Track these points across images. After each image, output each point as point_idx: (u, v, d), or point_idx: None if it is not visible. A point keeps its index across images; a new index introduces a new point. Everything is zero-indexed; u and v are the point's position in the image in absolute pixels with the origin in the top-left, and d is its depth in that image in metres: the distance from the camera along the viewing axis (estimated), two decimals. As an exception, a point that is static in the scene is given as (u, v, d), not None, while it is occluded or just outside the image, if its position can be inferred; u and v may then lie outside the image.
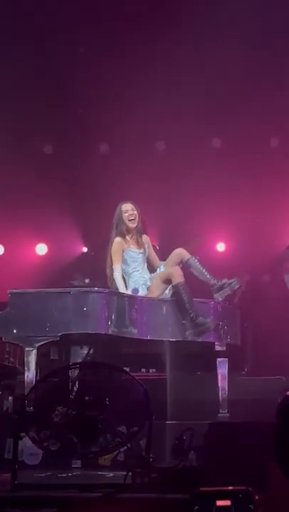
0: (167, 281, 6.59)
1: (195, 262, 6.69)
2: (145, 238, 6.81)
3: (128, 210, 6.75)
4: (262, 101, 8.87)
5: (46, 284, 7.68)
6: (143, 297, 6.56)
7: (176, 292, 6.49)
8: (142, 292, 6.60)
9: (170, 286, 6.81)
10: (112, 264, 6.63)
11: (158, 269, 6.72)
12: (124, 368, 6.84)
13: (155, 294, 6.59)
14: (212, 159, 9.41)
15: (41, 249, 9.72)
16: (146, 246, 6.79)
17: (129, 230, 6.72)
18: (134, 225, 6.71)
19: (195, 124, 9.20)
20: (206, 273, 6.77)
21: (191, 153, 9.34)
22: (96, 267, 7.66)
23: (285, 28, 8.61)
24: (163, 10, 8.74)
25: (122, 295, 6.41)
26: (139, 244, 6.73)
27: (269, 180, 9.14)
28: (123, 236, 6.70)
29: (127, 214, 6.73)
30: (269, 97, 8.89)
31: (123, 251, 6.66)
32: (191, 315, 6.37)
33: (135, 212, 6.74)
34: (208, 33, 8.65)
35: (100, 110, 9.08)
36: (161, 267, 6.73)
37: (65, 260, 9.33)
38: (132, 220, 6.71)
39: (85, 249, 9.46)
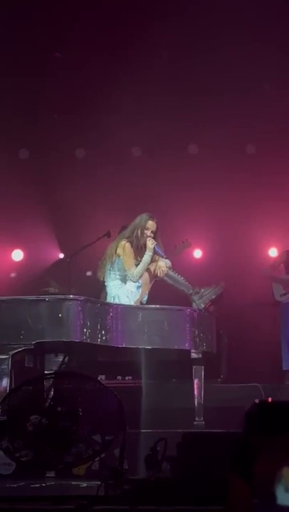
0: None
1: (171, 271, 6.72)
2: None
3: (152, 228, 6.71)
4: (238, 108, 8.89)
5: (22, 290, 7.63)
6: (118, 305, 6.53)
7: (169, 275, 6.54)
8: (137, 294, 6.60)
9: (146, 293, 6.82)
10: (127, 268, 6.62)
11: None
12: (100, 376, 6.86)
13: (146, 288, 6.63)
14: (188, 165, 9.41)
15: (17, 255, 9.65)
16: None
17: (142, 247, 6.68)
18: (152, 246, 6.69)
19: (172, 130, 9.20)
20: (183, 281, 6.77)
21: (168, 160, 9.33)
22: (71, 274, 7.62)
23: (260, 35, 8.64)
24: (141, 14, 8.73)
25: (97, 302, 6.37)
26: (137, 262, 6.73)
27: (246, 187, 9.15)
28: (134, 247, 6.67)
29: (149, 232, 6.70)
30: (245, 104, 8.91)
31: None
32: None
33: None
34: (187, 36, 8.66)
35: (76, 115, 9.05)
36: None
37: (42, 266, 9.28)
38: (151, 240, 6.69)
39: (61, 256, 9.41)
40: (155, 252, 6.75)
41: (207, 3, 8.42)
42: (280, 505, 1.22)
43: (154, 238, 6.71)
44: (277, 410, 1.28)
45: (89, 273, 7.59)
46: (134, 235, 6.70)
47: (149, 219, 6.75)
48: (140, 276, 6.71)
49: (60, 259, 9.20)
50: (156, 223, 6.75)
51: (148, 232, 6.71)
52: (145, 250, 6.70)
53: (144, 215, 6.78)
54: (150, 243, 6.69)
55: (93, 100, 9.02)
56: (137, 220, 6.76)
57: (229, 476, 1.17)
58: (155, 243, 6.71)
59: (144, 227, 6.71)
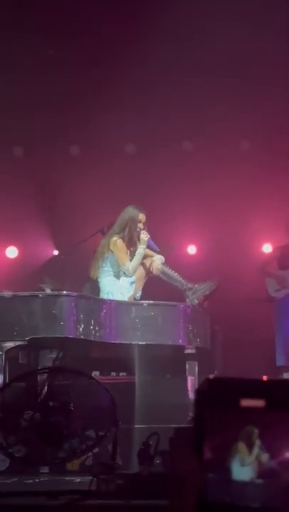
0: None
1: (164, 267, 6.74)
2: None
3: (142, 221, 6.72)
4: (231, 104, 8.89)
5: (16, 287, 7.63)
6: (112, 300, 6.54)
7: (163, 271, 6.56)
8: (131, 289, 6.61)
9: (140, 288, 6.83)
10: (121, 264, 6.62)
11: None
12: (94, 372, 6.87)
13: (139, 284, 6.66)
14: (182, 161, 9.41)
15: (12, 252, 9.65)
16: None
17: (135, 241, 6.69)
18: (146, 239, 6.69)
19: (165, 126, 9.20)
20: (177, 277, 6.78)
21: (161, 156, 9.34)
22: (65, 270, 7.63)
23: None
24: (134, 10, 8.72)
25: (90, 298, 6.38)
26: (131, 257, 6.73)
27: (240, 183, 9.16)
28: (126, 242, 6.67)
29: (141, 224, 6.71)
30: (239, 99, 8.91)
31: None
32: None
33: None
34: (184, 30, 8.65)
35: (70, 112, 9.05)
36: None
37: (36, 263, 9.27)
38: (144, 233, 6.70)
39: (56, 252, 9.42)
40: (148, 245, 6.77)
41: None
42: (235, 479, 1.24)
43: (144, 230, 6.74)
44: (228, 386, 1.30)
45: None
46: (126, 229, 6.70)
47: (139, 212, 6.75)
48: (135, 270, 6.72)
49: (55, 256, 9.20)
50: (145, 215, 6.76)
51: (140, 225, 6.72)
52: (138, 243, 6.71)
53: (132, 208, 6.78)
54: (144, 236, 6.71)
55: (87, 97, 9.01)
56: (126, 214, 6.76)
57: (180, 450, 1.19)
58: (148, 236, 6.73)
59: (136, 221, 6.72)
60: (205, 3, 8.30)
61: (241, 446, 1.23)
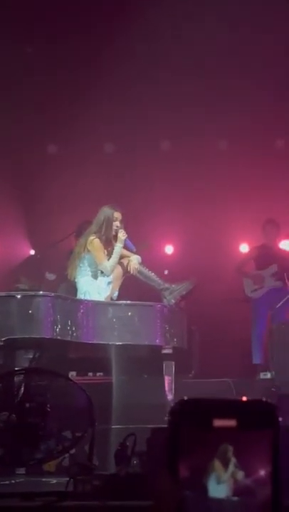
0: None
1: (141, 267, 6.73)
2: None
3: (119, 219, 6.70)
4: (210, 103, 8.91)
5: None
6: (89, 301, 6.52)
7: (140, 271, 6.55)
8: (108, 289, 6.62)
9: (117, 289, 6.82)
10: (99, 263, 6.60)
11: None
12: (71, 372, 6.84)
13: (116, 284, 6.67)
14: (161, 161, 9.42)
15: (-12, 251, 9.59)
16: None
17: (112, 240, 6.67)
18: (124, 238, 6.68)
19: (143, 125, 9.20)
20: (154, 277, 6.77)
21: (140, 155, 9.33)
22: (42, 270, 7.59)
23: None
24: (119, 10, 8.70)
25: (67, 299, 6.36)
26: (108, 256, 6.72)
27: (218, 182, 9.17)
28: (103, 241, 6.66)
29: (117, 222, 6.69)
30: (217, 99, 8.93)
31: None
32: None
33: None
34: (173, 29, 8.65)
35: (46, 111, 9.01)
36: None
37: (13, 263, 9.23)
38: (122, 231, 6.68)
39: (32, 252, 9.38)
40: (125, 245, 6.76)
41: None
42: (211, 497, 1.25)
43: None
44: (200, 407, 1.31)
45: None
46: (103, 229, 6.69)
47: (114, 210, 6.75)
48: (113, 269, 6.70)
49: (31, 256, 9.16)
50: (121, 213, 6.76)
51: (117, 223, 6.71)
52: (115, 243, 6.71)
53: (107, 208, 6.78)
54: (121, 234, 6.70)
55: (67, 95, 8.99)
56: (101, 215, 6.75)
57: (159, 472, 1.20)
58: (126, 235, 6.72)
59: (112, 219, 6.71)
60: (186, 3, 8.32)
61: (217, 464, 1.24)
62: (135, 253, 6.90)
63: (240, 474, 1.24)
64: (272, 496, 1.24)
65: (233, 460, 1.24)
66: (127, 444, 4.33)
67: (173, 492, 1.22)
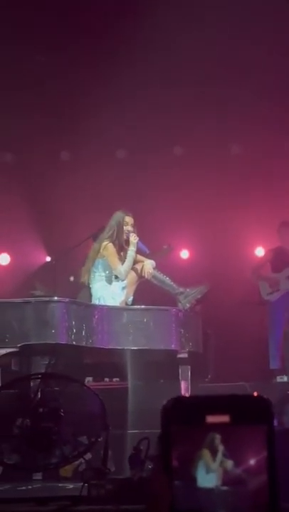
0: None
1: (155, 272, 6.74)
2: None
3: (130, 223, 6.73)
4: (222, 108, 8.91)
5: (9, 294, 7.62)
6: (103, 306, 6.53)
7: (155, 275, 6.57)
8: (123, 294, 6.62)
9: (132, 293, 6.83)
10: (114, 267, 6.63)
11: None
12: (87, 378, 6.86)
13: (131, 289, 6.68)
14: (174, 166, 9.42)
15: (4, 259, 9.65)
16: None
17: (124, 244, 6.70)
18: (136, 241, 6.71)
19: (156, 130, 9.21)
20: (169, 281, 6.78)
21: (153, 161, 9.34)
22: (57, 277, 7.62)
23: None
24: (128, 16, 8.72)
25: (82, 304, 6.38)
26: (122, 261, 6.74)
27: (232, 187, 9.17)
28: (117, 246, 6.69)
29: (129, 226, 6.72)
30: (229, 104, 8.93)
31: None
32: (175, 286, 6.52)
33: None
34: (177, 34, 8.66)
35: (60, 118, 9.05)
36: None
37: (29, 270, 9.27)
38: (133, 235, 6.71)
39: (48, 259, 9.41)
40: (138, 248, 6.78)
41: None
42: (200, 487, 1.25)
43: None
44: (193, 404, 1.32)
45: (72, 278, 7.57)
46: (115, 233, 6.72)
47: (125, 215, 6.78)
48: (128, 273, 6.72)
49: (47, 263, 9.20)
50: (132, 217, 6.78)
51: (128, 228, 6.74)
52: (128, 247, 6.73)
53: (119, 213, 6.82)
54: (133, 238, 6.73)
55: (78, 102, 9.02)
56: (113, 220, 6.79)
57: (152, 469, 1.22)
58: (138, 238, 6.74)
59: (123, 224, 6.74)
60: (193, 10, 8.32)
61: (205, 452, 1.24)
62: (149, 256, 6.91)
63: (229, 464, 1.23)
64: (268, 484, 1.22)
65: (221, 448, 1.24)
66: (141, 448, 4.34)
67: (167, 494, 1.23)
